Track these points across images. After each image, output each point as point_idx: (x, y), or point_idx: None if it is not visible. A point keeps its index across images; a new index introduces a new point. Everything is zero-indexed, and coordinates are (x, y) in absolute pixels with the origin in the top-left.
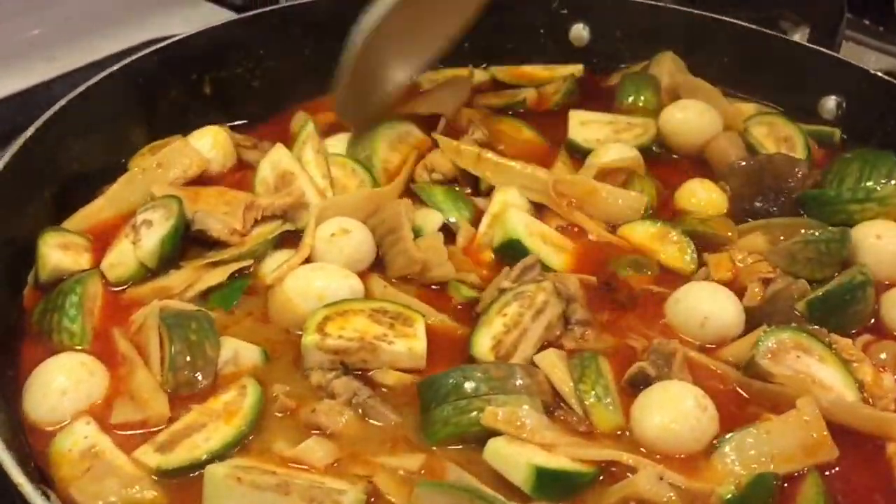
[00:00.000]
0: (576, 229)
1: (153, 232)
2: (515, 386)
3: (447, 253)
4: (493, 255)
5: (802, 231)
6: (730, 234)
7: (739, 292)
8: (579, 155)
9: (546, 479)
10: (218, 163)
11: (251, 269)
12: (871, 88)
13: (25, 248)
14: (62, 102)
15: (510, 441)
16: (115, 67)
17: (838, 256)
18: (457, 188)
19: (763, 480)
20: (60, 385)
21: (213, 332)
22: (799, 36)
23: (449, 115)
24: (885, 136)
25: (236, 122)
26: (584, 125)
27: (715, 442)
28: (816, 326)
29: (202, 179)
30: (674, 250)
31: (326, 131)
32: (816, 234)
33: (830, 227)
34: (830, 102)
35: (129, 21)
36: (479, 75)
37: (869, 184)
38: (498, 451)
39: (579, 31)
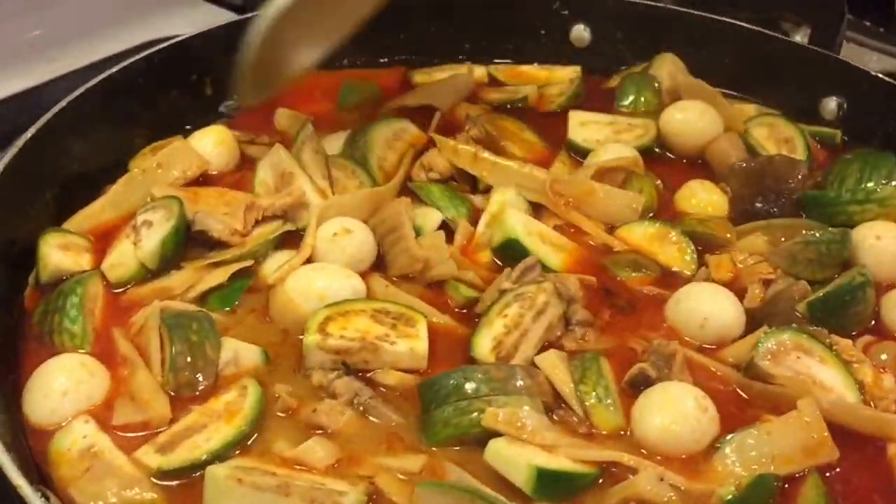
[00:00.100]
0: (573, 229)
1: (154, 233)
2: (516, 387)
3: (448, 251)
4: (490, 255)
5: (803, 232)
6: (728, 235)
7: (740, 293)
8: (579, 155)
9: (547, 479)
10: (222, 161)
11: (252, 270)
12: (871, 89)
13: (26, 248)
14: (63, 103)
15: (511, 442)
16: (115, 68)
17: (839, 257)
18: (454, 185)
19: (763, 481)
20: (61, 386)
21: (214, 333)
22: (800, 37)
23: (443, 108)
24: (886, 137)
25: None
26: (584, 126)
27: (716, 443)
28: (817, 327)
29: (202, 180)
30: (673, 251)
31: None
32: (817, 235)
33: (831, 229)
34: (831, 103)
35: (129, 22)
36: (479, 74)
37: (869, 185)
38: (499, 452)
39: (580, 32)
